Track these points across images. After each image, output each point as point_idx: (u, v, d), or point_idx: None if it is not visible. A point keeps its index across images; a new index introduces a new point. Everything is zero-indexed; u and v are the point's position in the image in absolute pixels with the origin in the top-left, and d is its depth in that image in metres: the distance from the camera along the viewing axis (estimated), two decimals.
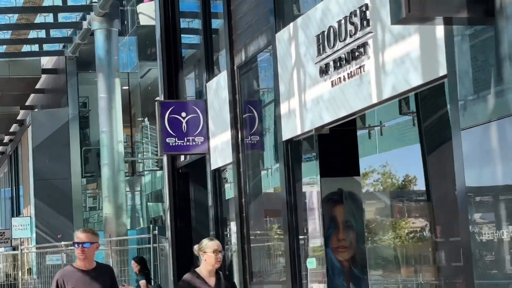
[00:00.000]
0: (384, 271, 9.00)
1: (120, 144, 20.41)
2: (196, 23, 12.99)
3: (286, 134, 8.61)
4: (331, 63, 7.51)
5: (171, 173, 12.18)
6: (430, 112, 8.09)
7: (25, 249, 19.31)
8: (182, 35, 12.55)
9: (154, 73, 23.79)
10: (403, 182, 8.92)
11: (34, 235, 23.86)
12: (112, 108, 20.36)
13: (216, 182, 10.81)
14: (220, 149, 10.63)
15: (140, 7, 23.77)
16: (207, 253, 6.52)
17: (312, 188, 8.51)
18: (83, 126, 25.30)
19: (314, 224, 8.41)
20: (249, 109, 10.01)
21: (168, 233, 12.27)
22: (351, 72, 7.20)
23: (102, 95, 20.56)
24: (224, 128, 10.39)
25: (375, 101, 6.90)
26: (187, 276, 6.54)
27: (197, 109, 10.96)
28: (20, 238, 20.92)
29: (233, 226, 10.55)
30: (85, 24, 21.57)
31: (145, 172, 24.66)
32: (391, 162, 8.89)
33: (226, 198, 11.00)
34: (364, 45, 6.97)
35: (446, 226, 8.07)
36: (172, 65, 12.28)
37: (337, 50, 7.40)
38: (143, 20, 23.66)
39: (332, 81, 7.54)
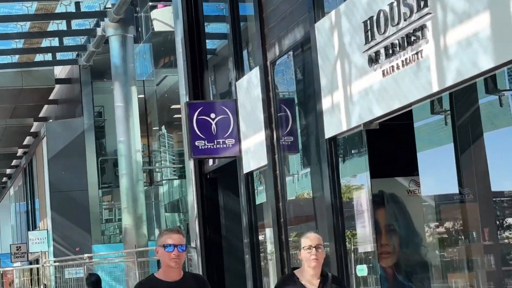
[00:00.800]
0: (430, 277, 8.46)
1: (138, 154, 19.90)
2: (212, 28, 12.43)
3: (329, 131, 7.96)
4: (382, 51, 6.86)
5: (198, 179, 11.53)
6: (464, 109, 7.55)
7: (46, 262, 18.67)
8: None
9: (170, 80, 23.28)
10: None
11: (51, 248, 23.30)
12: (129, 117, 19.86)
13: (249, 186, 10.15)
14: (253, 151, 9.98)
15: (154, 13, 23.24)
16: (301, 251, 5.44)
17: (360, 189, 7.86)
18: (99, 136, 24.77)
19: (364, 228, 7.76)
20: (285, 107, 9.37)
21: (197, 242, 11.62)
22: (406, 59, 6.55)
23: (118, 104, 20.06)
24: (257, 128, 9.75)
25: (436, 89, 6.24)
26: (281, 280, 5.56)
27: (226, 110, 10.30)
28: (41, 250, 20.34)
29: (268, 232, 9.90)
30: (99, 31, 21.07)
31: (163, 182, 24.09)
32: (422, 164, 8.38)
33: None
34: (421, 28, 6.32)
35: (493, 228, 7.52)
36: (197, 65, 11.66)
37: (389, 36, 6.75)
38: (158, 26, 23.15)
39: (383, 71, 6.89)
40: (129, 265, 17.37)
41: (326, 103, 7.99)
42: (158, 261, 18.11)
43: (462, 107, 7.59)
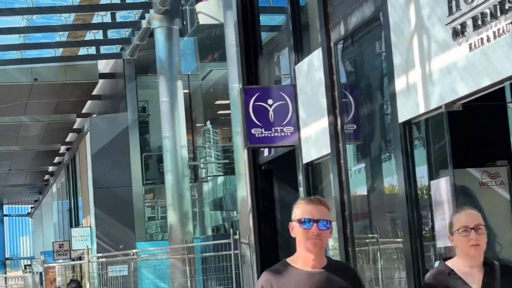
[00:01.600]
0: None
1: (183, 149, 19.38)
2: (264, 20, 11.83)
3: (404, 115, 7.25)
4: (469, 22, 6.15)
5: (252, 171, 10.88)
6: None
7: (92, 258, 18.20)
8: None
9: (215, 75, 22.72)
10: None
11: (94, 246, 22.86)
12: (175, 112, 19.33)
13: (309, 177, 9.47)
14: (313, 139, 9.30)
15: (199, 6, 22.69)
16: (455, 234, 4.03)
17: (438, 179, 7.15)
18: (143, 132, 24.28)
19: (443, 220, 7.04)
20: (350, 91, 8.68)
21: (251, 238, 10.96)
22: (498, 30, 5.84)
23: (164, 99, 19.54)
24: (318, 115, 9.07)
25: None
26: (429, 275, 4.12)
27: (284, 96, 9.62)
28: (87, 247, 19.89)
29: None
30: (144, 23, 20.56)
31: (208, 178, 23.52)
32: None
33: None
34: None
35: None
36: (251, 50, 11.00)
37: (478, 5, 6.04)
38: (203, 20, 22.61)
39: (470, 44, 6.17)
40: (175, 263, 16.83)
41: (400, 83, 7.29)
42: (203, 259, 17.51)
43: None
